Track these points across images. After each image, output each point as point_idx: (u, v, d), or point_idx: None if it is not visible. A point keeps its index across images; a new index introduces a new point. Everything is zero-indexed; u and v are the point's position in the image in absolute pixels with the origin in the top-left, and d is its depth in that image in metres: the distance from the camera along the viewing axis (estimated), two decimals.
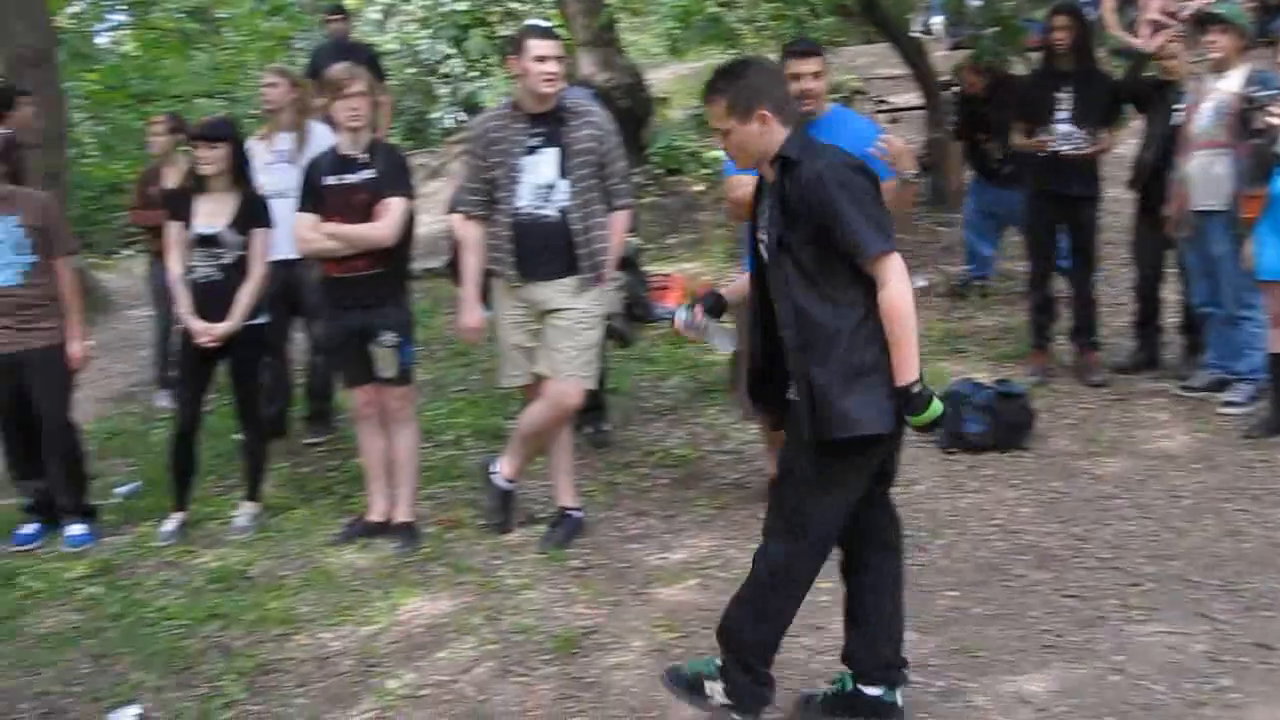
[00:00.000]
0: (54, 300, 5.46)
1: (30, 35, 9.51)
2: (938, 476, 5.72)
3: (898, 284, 3.22)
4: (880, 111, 11.58)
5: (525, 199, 4.95)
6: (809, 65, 4.87)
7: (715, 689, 3.53)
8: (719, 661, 3.54)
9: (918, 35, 11.95)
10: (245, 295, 5.35)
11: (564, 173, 4.91)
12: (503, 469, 5.28)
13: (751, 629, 3.50)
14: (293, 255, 5.72)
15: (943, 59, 11.17)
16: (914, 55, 10.03)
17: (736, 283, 4.43)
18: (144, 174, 7.66)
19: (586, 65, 10.94)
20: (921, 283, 8.36)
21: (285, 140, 6.35)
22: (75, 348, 5.51)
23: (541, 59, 4.88)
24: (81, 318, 5.64)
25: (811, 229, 3.26)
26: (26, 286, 5.38)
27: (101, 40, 20.21)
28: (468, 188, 5.15)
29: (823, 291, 3.29)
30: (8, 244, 5.33)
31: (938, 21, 13.28)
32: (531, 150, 4.94)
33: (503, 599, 4.67)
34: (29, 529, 5.66)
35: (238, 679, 4.20)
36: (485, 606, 4.62)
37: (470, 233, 5.13)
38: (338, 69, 5.18)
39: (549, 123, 4.93)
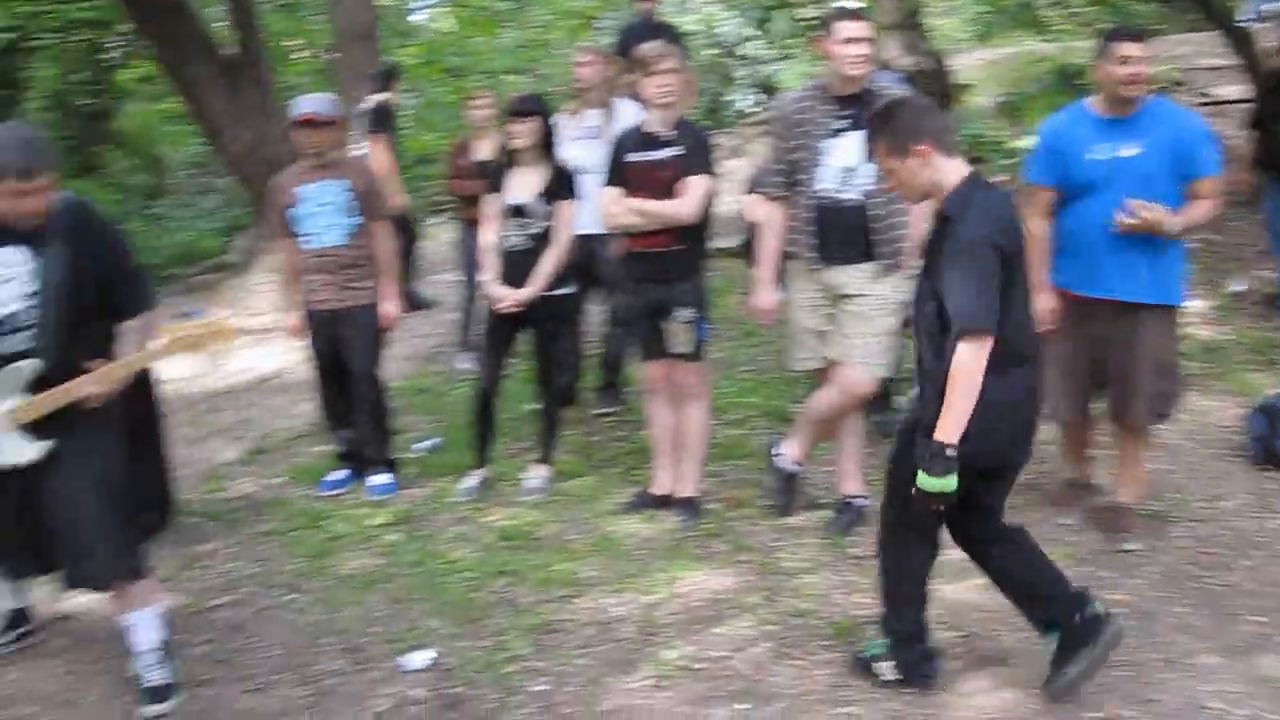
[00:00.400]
0: (371, 261, 5.75)
1: (358, 11, 10.06)
2: (1247, 494, 5.38)
3: (969, 358, 3.36)
4: (1202, 104, 10.93)
5: (827, 181, 4.90)
6: (1136, 49, 4.68)
7: (884, 667, 3.87)
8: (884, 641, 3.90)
9: (1247, 23, 11.23)
10: (547, 263, 5.50)
11: (868, 156, 4.84)
12: (788, 451, 5.27)
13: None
14: (594, 230, 5.86)
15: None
16: (1241, 44, 9.44)
17: None
18: (456, 146, 8.00)
19: (891, 48, 10.77)
20: (1237, 288, 7.86)
21: (593, 116, 6.50)
22: (388, 308, 5.78)
23: (850, 41, 4.82)
24: (395, 279, 5.92)
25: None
26: (349, 247, 5.68)
27: (417, 18, 21.24)
28: (769, 168, 5.15)
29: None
30: (335, 206, 5.65)
31: (1273, 7, 12.42)
32: (836, 133, 4.89)
33: (782, 580, 4.68)
34: (337, 475, 6.01)
35: (523, 634, 4.36)
36: (764, 586, 4.63)
37: (769, 214, 5.12)
38: (651, 46, 5.24)
39: (855, 105, 4.86)
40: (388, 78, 9.38)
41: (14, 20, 13.96)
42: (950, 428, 3.38)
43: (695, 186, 5.08)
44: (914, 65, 10.52)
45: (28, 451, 3.98)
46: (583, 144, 6.31)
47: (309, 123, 5.59)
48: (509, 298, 5.53)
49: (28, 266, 3.89)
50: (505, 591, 4.74)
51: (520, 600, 4.66)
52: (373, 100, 9.04)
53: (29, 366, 3.91)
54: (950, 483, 3.40)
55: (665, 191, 5.10)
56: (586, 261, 6.17)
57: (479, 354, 5.98)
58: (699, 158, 5.14)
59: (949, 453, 3.37)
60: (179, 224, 14.46)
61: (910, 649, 3.86)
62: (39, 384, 3.92)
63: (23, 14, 14.04)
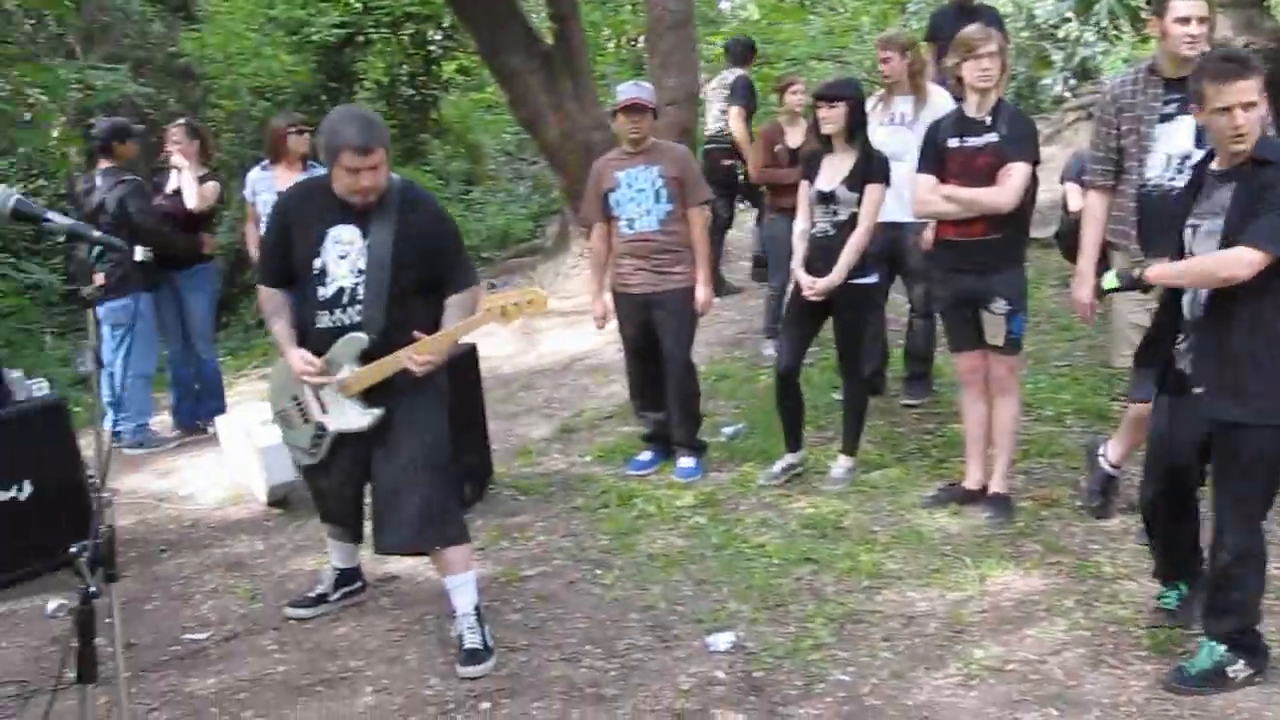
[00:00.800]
0: (685, 247, 5.82)
1: (672, 0, 10.20)
2: None
3: (1242, 261, 3.52)
4: None
5: (1156, 169, 4.65)
6: None
7: (1237, 669, 3.75)
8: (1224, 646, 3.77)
9: None
10: (850, 250, 5.43)
11: (1199, 142, 4.56)
12: (1109, 452, 5.05)
13: None
14: (899, 218, 5.76)
15: None
16: None
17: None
18: (767, 131, 8.02)
19: (1225, 27, 10.12)
20: None
21: (902, 103, 6.39)
22: (701, 293, 5.84)
23: (1184, 20, 4.56)
24: (708, 265, 5.97)
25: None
26: (663, 233, 5.77)
27: (724, 5, 21.40)
28: (1094, 156, 4.92)
29: None
30: (650, 193, 5.75)
31: None
32: (1166, 118, 4.63)
33: (1098, 585, 4.49)
34: (645, 456, 6.14)
35: (827, 623, 4.34)
36: (1079, 590, 4.46)
37: (1093, 204, 4.91)
38: (972, 29, 5.10)
39: (1186, 89, 4.60)
40: (748, 51, 9.60)
41: (348, 16, 14.88)
42: (1168, 274, 3.78)
43: (1016, 174, 4.92)
44: (1250, 45, 9.85)
45: (361, 419, 4.25)
46: (890, 130, 6.22)
47: (632, 108, 5.72)
48: (812, 285, 5.51)
49: (361, 244, 4.15)
50: (809, 579, 4.73)
51: (824, 589, 4.64)
52: (732, 75, 9.35)
53: (359, 338, 4.16)
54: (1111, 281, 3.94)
55: (985, 178, 4.96)
56: (890, 250, 6.07)
57: (780, 337, 5.99)
58: (1020, 144, 4.98)
59: (1136, 272, 3.84)
60: (493, 209, 15.05)
61: (1253, 641, 3.80)
62: (368, 355, 4.18)
63: (355, 11, 14.95)
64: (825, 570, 4.79)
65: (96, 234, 2.93)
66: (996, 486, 5.22)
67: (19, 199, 2.70)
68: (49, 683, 4.35)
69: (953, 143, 5.07)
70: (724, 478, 5.91)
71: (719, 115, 9.31)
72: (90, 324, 2.91)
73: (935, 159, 5.11)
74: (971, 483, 5.31)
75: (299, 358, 4.22)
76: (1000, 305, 5.00)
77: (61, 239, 2.79)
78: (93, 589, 2.65)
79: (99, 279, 6.84)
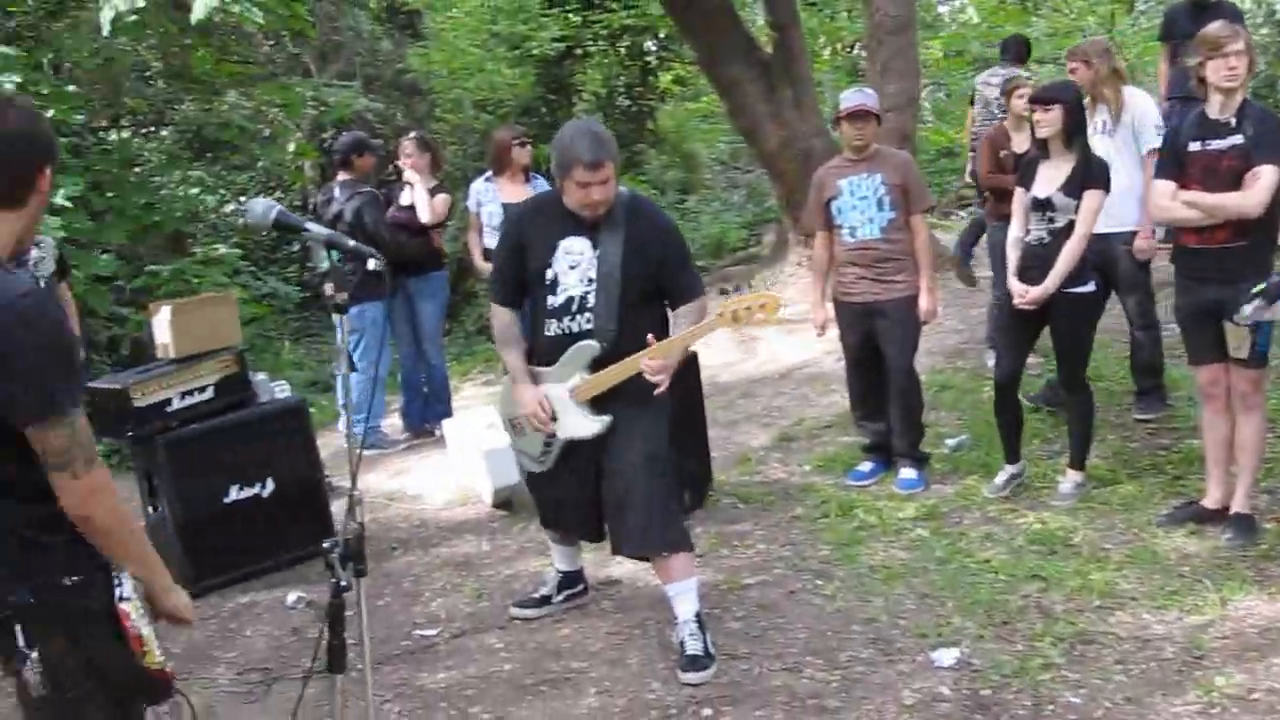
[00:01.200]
0: (908, 255, 5.74)
1: (896, 5, 10.09)
2: None
3: None
4: None
5: None
6: None
7: None
8: None
9: None
10: (1066, 256, 5.25)
11: None
12: None
13: None
14: (1105, 229, 5.57)
15: None
16: None
17: None
18: (993, 136, 7.82)
19: None
20: None
21: (1103, 111, 6.16)
22: (925, 301, 5.76)
23: None
24: (932, 273, 5.88)
25: None
26: (886, 241, 5.71)
27: (942, 9, 21.05)
28: None
29: None
30: (872, 200, 5.70)
31: None
32: None
33: None
34: (866, 467, 6.09)
35: (1056, 643, 4.21)
36: None
37: None
38: (1217, 26, 4.87)
39: None
40: (1024, 49, 9.43)
41: (568, 30, 15.20)
42: None
43: (1265, 177, 4.68)
44: None
45: (590, 426, 4.33)
46: (1095, 140, 6.00)
47: (857, 114, 5.68)
48: (1024, 294, 5.36)
49: (591, 254, 4.25)
50: (1036, 597, 4.60)
51: (1053, 607, 4.50)
52: (1000, 75, 9.04)
53: (590, 346, 4.25)
54: None
55: (1230, 183, 4.73)
56: (1101, 261, 5.83)
57: (996, 346, 5.85)
58: (1268, 145, 4.72)
59: None
60: (707, 218, 15.11)
61: None
62: (598, 364, 4.26)
63: (574, 24, 15.26)
64: (1054, 588, 4.65)
65: (351, 243, 3.07)
66: (1238, 506, 4.97)
67: (280, 210, 2.85)
68: (290, 670, 4.58)
69: (1194, 146, 4.86)
70: (947, 490, 5.80)
71: (995, 112, 8.99)
72: (342, 330, 3.06)
73: (1175, 163, 4.90)
74: (1211, 502, 5.07)
75: (531, 400, 4.36)
76: (1245, 315, 4.76)
77: (324, 249, 2.92)
78: (344, 583, 2.78)
79: (329, 289, 7.16)
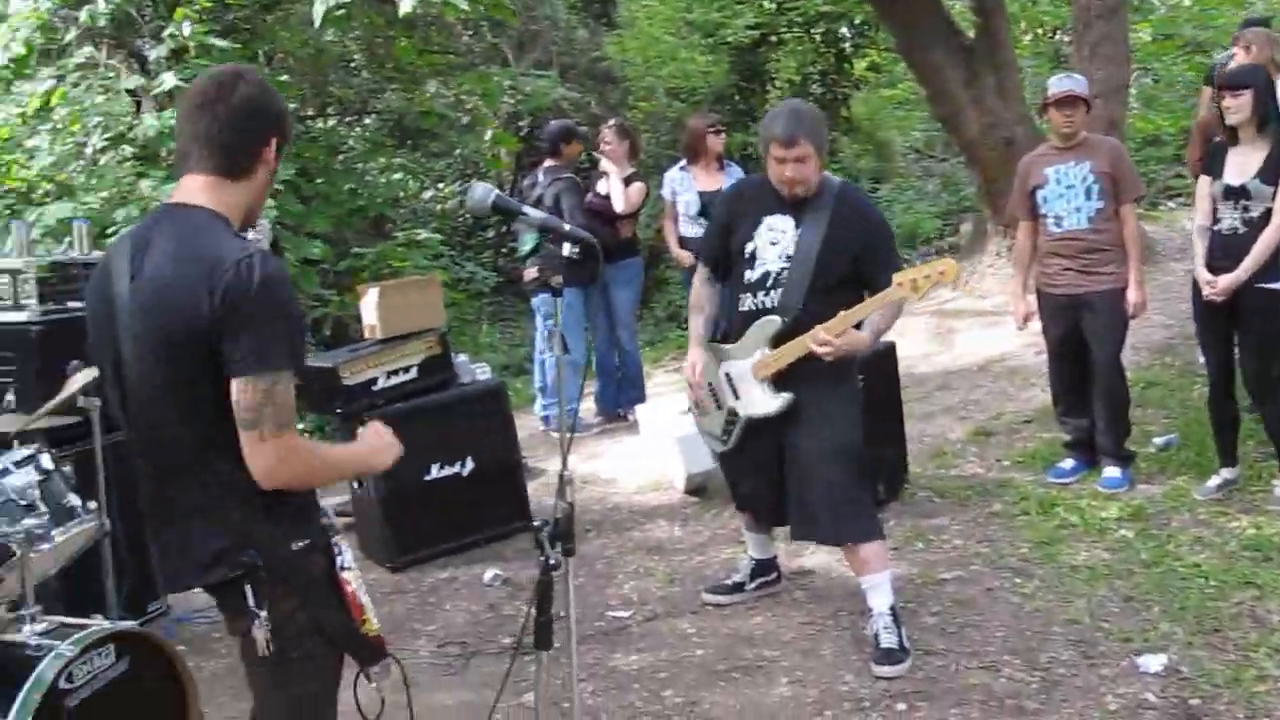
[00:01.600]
0: (1116, 246, 5.54)
1: None
2: None
3: None
4: None
5: None
6: None
7: None
8: None
9: None
10: (1261, 246, 5.01)
11: None
12: None
13: None
14: None
15: None
16: None
17: None
18: (1205, 123, 7.51)
19: None
20: None
21: None
22: (1134, 294, 5.55)
23: None
24: (1141, 265, 5.67)
25: None
26: (1093, 231, 5.52)
27: None
28: None
29: None
30: (1080, 189, 5.52)
31: None
32: None
33: None
34: (1067, 464, 5.91)
35: (1272, 654, 4.04)
36: None
37: None
38: None
39: None
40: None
41: (762, 17, 15.13)
42: None
43: None
44: None
45: (771, 404, 4.33)
46: None
47: (1065, 101, 5.51)
48: (1212, 284, 5.13)
49: (793, 233, 4.26)
50: (1250, 605, 4.42)
51: (1269, 617, 4.31)
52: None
53: (772, 321, 4.26)
54: None
55: None
56: None
57: (1202, 344, 5.61)
58: None
59: None
60: (900, 207, 14.87)
61: None
62: (780, 339, 4.26)
63: (768, 12, 15.18)
64: (1270, 596, 4.45)
65: (567, 227, 3.13)
66: None
67: (498, 194, 2.91)
68: (487, 645, 4.70)
69: None
70: (1154, 491, 5.60)
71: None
72: (557, 312, 3.11)
73: None
74: None
75: (690, 361, 4.48)
76: None
77: (537, 232, 2.99)
78: (553, 561, 2.83)
79: (530, 273, 7.32)
